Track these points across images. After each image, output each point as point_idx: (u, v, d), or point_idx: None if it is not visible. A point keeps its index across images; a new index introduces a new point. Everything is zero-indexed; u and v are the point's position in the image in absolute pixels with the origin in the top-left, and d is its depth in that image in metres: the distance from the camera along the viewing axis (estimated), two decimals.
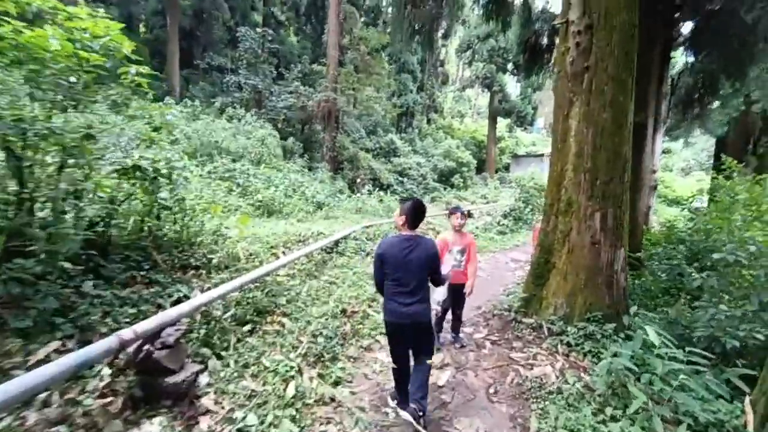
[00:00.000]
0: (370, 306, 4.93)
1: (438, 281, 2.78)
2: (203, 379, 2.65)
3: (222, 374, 2.80)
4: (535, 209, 15.47)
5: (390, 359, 2.87)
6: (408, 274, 2.57)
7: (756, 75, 8.42)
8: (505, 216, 14.34)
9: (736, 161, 7.20)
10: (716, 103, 10.74)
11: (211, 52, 23.58)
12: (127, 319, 2.78)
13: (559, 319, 4.21)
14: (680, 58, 10.77)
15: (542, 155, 29.74)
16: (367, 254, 7.30)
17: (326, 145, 18.77)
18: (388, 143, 23.75)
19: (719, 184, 7.80)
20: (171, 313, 2.50)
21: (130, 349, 2.29)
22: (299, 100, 19.03)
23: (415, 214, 2.69)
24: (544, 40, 10.18)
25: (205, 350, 2.91)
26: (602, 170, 4.14)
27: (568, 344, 3.92)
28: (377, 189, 16.38)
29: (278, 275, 4.95)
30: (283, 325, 3.79)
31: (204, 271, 3.99)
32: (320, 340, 3.60)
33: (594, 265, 4.17)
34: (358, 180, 16.69)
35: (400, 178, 20.75)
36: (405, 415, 2.57)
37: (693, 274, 4.91)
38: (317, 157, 19.69)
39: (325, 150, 18.85)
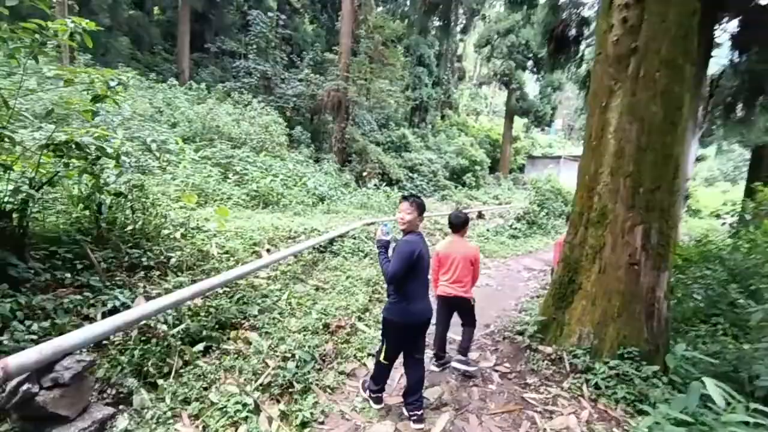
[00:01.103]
0: (360, 319, 4.27)
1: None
2: (121, 422, 2.01)
3: (149, 414, 2.16)
4: (551, 214, 14.64)
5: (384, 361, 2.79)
6: (427, 273, 2.77)
7: None
8: (518, 219, 13.52)
9: None
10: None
11: (223, 36, 23.01)
12: (34, 336, 2.16)
13: (584, 352, 3.49)
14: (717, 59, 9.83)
15: (559, 157, 28.70)
16: (366, 255, 6.63)
17: (335, 136, 18.11)
18: (400, 137, 22.98)
19: (765, 197, 6.92)
20: (71, 338, 1.86)
21: (9, 386, 1.65)
22: (309, 88, 18.40)
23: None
24: (572, 31, 9.34)
25: (132, 381, 2.27)
26: (648, 175, 3.38)
27: (596, 386, 3.20)
28: (385, 184, 15.67)
29: (257, 277, 4.31)
30: (249, 343, 3.15)
31: (158, 273, 3.35)
32: (290, 365, 2.94)
33: (631, 290, 3.43)
34: (365, 173, 15.98)
35: (411, 174, 19.99)
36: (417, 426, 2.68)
37: (749, 303, 4.15)
38: (325, 148, 19.06)
39: (333, 141, 18.20)
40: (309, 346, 3.29)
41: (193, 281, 3.34)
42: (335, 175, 14.80)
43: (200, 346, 2.82)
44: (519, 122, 32.41)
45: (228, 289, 3.71)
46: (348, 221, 8.28)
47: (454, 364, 3.48)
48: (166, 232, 3.94)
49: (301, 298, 4.25)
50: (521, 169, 31.69)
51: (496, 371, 3.57)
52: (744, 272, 5.19)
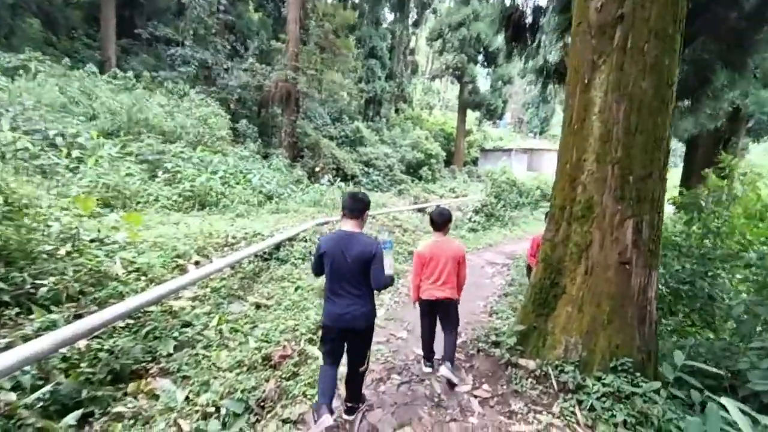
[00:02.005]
0: (311, 341, 3.54)
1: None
2: None
3: None
4: (508, 205, 14.64)
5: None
6: (344, 276, 2.45)
7: (756, 65, 7.70)
8: (476, 212, 13.31)
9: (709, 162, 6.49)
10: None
11: (156, 20, 20.86)
12: None
13: (572, 366, 3.03)
14: None
15: (510, 150, 29.39)
16: None
17: (284, 129, 16.98)
18: (354, 131, 22.21)
19: (716, 183, 7.01)
20: None
21: None
22: (255, 79, 17.09)
23: None
24: (528, 19, 9.09)
25: None
26: (638, 161, 2.96)
27: (591, 408, 2.73)
28: (339, 180, 14.89)
29: (178, 299, 3.45)
30: (155, 397, 2.33)
31: (17, 311, 2.42)
32: (213, 425, 2.18)
33: (622, 292, 3.00)
34: (318, 169, 15.09)
35: (366, 169, 19.31)
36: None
37: (722, 295, 3.94)
38: (275, 143, 17.87)
39: (283, 135, 17.06)
40: (242, 390, 2.53)
41: (76, 317, 2.45)
42: (286, 171, 13.79)
43: (73, 416, 1.97)
44: (471, 116, 32.74)
45: (133, 321, 2.84)
46: (299, 221, 7.46)
47: (442, 371, 3.12)
48: (47, 248, 2.97)
49: (236, 321, 3.45)
50: (475, 162, 32.08)
51: (476, 397, 3.01)
52: (700, 259, 5.09)
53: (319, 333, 3.89)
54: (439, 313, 3.28)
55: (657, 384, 2.66)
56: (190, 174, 7.99)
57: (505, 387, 3.12)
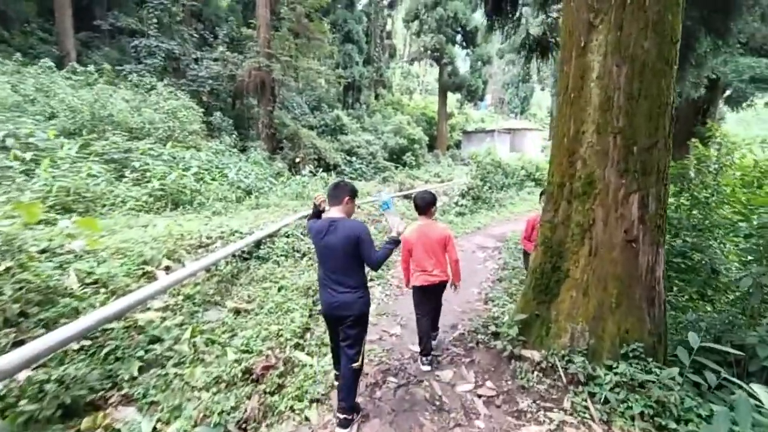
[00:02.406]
0: (298, 346, 3.26)
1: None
2: None
3: None
4: (494, 187, 14.49)
5: None
6: (330, 262, 2.47)
7: (739, 30, 7.57)
8: (462, 195, 13.11)
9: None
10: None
11: (117, 11, 19.68)
12: None
13: (580, 355, 2.82)
14: None
15: (493, 131, 29.24)
16: (303, 256, 5.56)
17: (261, 121, 16.36)
18: (334, 120, 21.67)
19: (702, 153, 6.90)
20: None
21: None
22: (227, 68, 16.32)
23: None
24: None
25: None
26: (642, 130, 2.71)
27: (605, 401, 2.53)
28: (321, 170, 14.45)
29: (146, 312, 3.10)
30: None
31: None
32: None
33: (630, 272, 2.79)
34: (298, 160, 14.60)
35: (348, 158, 18.87)
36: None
37: (725, 268, 3.79)
38: (252, 135, 17.25)
39: (260, 127, 16.44)
40: (220, 413, 2.23)
41: (16, 344, 2.09)
42: (265, 164, 13.28)
43: None
44: (452, 99, 32.38)
45: (90, 342, 2.49)
46: (280, 216, 7.09)
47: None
48: None
49: (213, 331, 3.13)
50: (458, 145, 31.85)
51: (479, 396, 2.78)
52: (691, 231, 4.96)
53: (307, 336, 3.62)
54: (433, 297, 3.31)
55: (675, 370, 2.47)
56: (160, 172, 7.48)
57: (510, 382, 2.90)
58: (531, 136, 31.45)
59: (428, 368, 3.18)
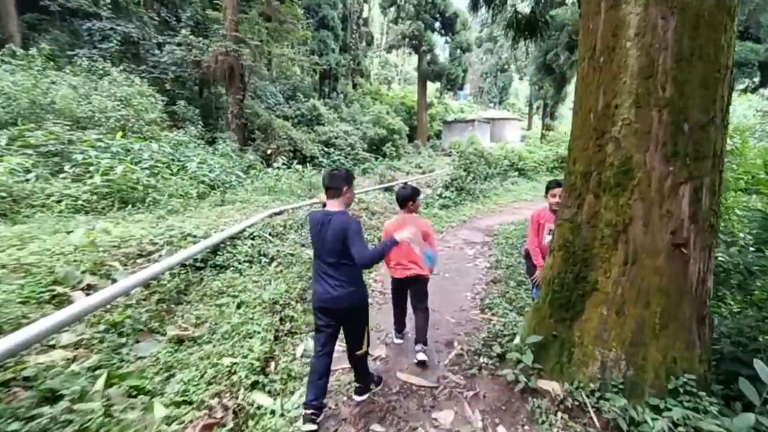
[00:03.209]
0: (256, 384, 2.54)
1: None
2: None
3: None
4: (477, 178, 13.97)
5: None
6: (324, 252, 2.41)
7: None
8: (446, 187, 12.54)
9: None
10: None
11: None
12: None
13: (614, 390, 2.22)
14: None
15: (473, 121, 28.78)
16: (271, 260, 4.81)
17: (231, 110, 15.25)
18: (311, 110, 20.67)
19: None
20: None
21: None
22: (192, 53, 15.08)
23: None
24: None
25: None
26: (696, 102, 2.10)
27: None
28: (297, 162, 13.54)
29: (48, 352, 2.31)
30: None
31: None
32: None
33: (678, 286, 2.19)
34: (270, 151, 13.66)
35: (326, 149, 17.99)
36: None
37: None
38: (221, 126, 16.12)
39: (230, 117, 15.34)
40: None
41: None
42: (235, 156, 12.30)
43: None
44: (431, 88, 31.74)
45: None
46: (249, 213, 6.29)
47: (417, 356, 3.06)
48: None
49: (140, 374, 2.36)
50: (438, 135, 31.32)
51: None
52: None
53: (272, 366, 2.92)
54: (409, 291, 3.26)
55: (750, 417, 1.88)
56: (105, 166, 6.52)
57: (527, 428, 2.28)
58: (510, 126, 31.22)
59: (401, 341, 3.46)
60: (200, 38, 15.67)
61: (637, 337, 2.24)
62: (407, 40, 27.03)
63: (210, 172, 8.78)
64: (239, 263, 4.40)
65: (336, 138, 18.65)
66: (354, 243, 2.23)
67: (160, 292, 3.34)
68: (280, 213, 6.55)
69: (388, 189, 12.19)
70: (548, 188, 3.36)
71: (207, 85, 17.05)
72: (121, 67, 12.63)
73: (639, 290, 2.24)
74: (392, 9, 27.70)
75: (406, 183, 3.40)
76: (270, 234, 5.43)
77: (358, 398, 2.58)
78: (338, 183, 2.36)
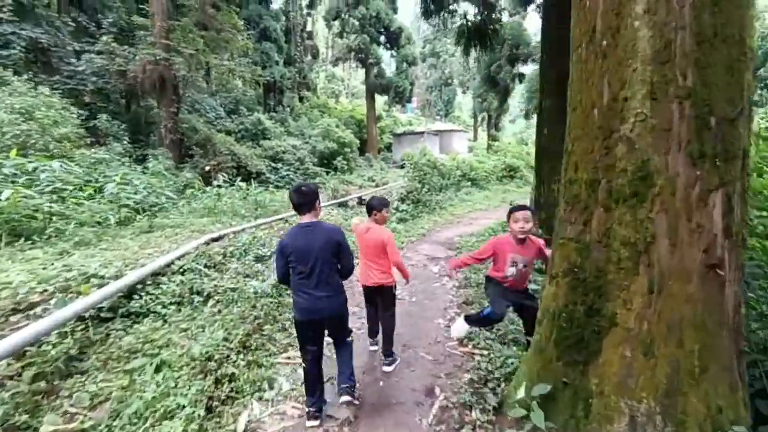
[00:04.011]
0: None
1: None
2: None
3: None
4: (432, 189, 13.74)
5: None
6: (308, 265, 2.45)
7: None
8: (402, 200, 12.13)
9: None
10: None
11: None
12: None
13: None
14: None
15: (422, 133, 29.07)
16: (207, 298, 3.96)
17: (164, 125, 13.84)
18: (255, 124, 19.59)
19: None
20: None
21: None
22: (114, 62, 13.56)
23: None
24: None
25: None
26: (721, 90, 1.73)
27: None
28: (241, 179, 12.48)
29: None
30: None
31: None
32: None
33: (714, 315, 1.78)
34: (207, 168, 12.50)
35: (273, 164, 16.98)
36: (344, 399, 2.50)
37: None
38: (154, 142, 14.63)
39: (163, 132, 13.91)
40: None
41: None
42: (168, 175, 11.03)
43: None
44: (380, 101, 31.76)
45: None
46: (181, 241, 5.35)
47: (383, 368, 3.15)
48: None
49: None
50: (389, 148, 31.30)
51: None
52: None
53: None
54: (377, 298, 3.28)
55: None
56: None
57: None
58: (458, 138, 31.99)
59: (375, 348, 3.42)
60: (125, 46, 14.19)
61: (672, 384, 1.79)
62: (354, 53, 26.82)
63: (135, 193, 7.60)
64: (163, 307, 3.52)
65: (284, 153, 17.72)
66: (346, 255, 2.44)
67: (39, 363, 2.43)
68: (219, 239, 5.66)
69: (342, 204, 11.54)
70: (510, 213, 2.94)
71: (135, 98, 15.47)
72: (26, 77, 10.96)
73: (669, 325, 1.80)
74: (336, 23, 27.44)
75: (374, 196, 3.45)
76: (206, 266, 4.56)
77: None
78: (311, 198, 2.43)
